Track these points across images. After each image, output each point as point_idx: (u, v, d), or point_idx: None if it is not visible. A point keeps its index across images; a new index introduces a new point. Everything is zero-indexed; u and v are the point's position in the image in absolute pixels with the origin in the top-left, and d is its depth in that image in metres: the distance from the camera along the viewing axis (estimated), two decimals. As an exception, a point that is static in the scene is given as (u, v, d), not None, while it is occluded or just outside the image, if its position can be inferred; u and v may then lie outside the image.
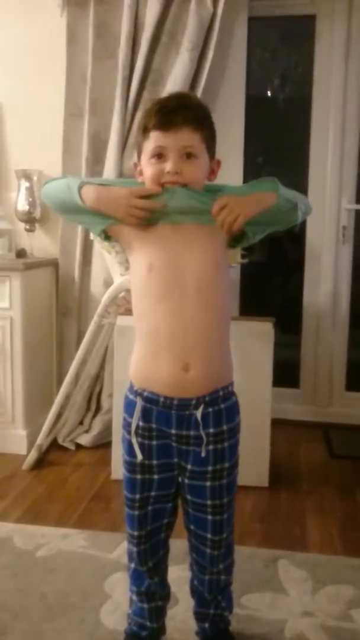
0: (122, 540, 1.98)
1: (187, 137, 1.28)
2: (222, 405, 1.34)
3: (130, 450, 1.35)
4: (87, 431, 2.80)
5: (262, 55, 3.42)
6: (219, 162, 1.39)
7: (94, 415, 2.84)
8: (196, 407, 1.31)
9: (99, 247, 2.69)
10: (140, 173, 1.36)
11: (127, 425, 1.37)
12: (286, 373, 3.08)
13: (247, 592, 1.72)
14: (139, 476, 1.35)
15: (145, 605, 1.46)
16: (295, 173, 3.23)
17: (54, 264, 2.97)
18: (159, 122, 1.28)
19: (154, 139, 1.29)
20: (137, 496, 1.36)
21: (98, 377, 2.86)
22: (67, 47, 2.84)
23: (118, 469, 2.44)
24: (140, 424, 1.33)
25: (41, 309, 2.89)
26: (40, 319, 2.87)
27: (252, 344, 2.35)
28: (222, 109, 2.95)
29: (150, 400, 1.32)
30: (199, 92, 2.74)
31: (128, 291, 2.49)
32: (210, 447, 1.32)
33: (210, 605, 1.47)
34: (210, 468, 1.34)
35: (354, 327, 3.16)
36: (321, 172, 3.05)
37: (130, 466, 1.36)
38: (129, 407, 1.37)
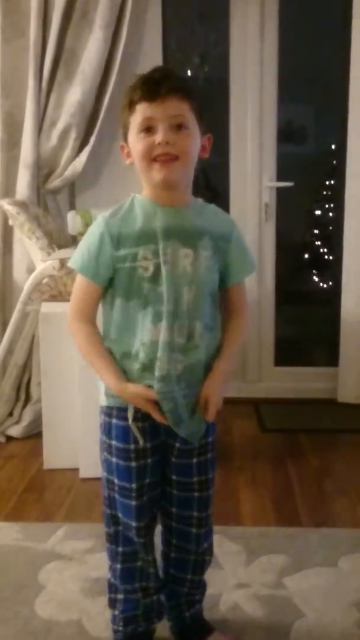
0: (56, 529, 1.96)
1: (175, 106, 1.22)
2: None
3: (125, 437, 1.30)
4: (17, 422, 2.73)
5: (180, 34, 3.39)
6: (210, 138, 1.31)
7: (24, 406, 2.78)
8: None
9: (20, 234, 2.62)
10: (128, 155, 1.28)
11: (121, 412, 1.30)
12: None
13: (183, 570, 1.73)
14: (134, 463, 1.31)
15: (142, 601, 1.41)
16: (216, 153, 3.23)
17: (-27, 252, 2.87)
18: (144, 93, 1.22)
19: (140, 112, 1.22)
20: (134, 485, 1.32)
21: (26, 367, 2.79)
22: (-25, 26, 2.73)
23: (50, 459, 2.41)
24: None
25: None
26: None
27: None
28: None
29: None
30: (114, 72, 2.70)
31: (51, 277, 2.44)
32: None
33: (182, 593, 1.45)
34: (196, 444, 1.34)
35: (279, 303, 3.22)
36: (242, 151, 3.07)
37: (125, 453, 1.31)
38: None
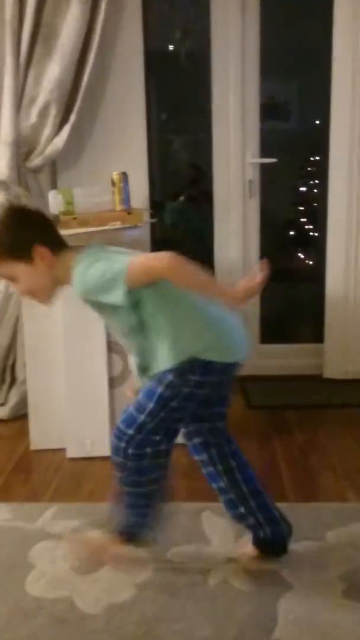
0: (45, 509, 1.97)
1: None
2: None
3: None
4: (3, 404, 2.73)
5: (161, 8, 3.34)
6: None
7: (10, 387, 2.77)
8: None
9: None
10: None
11: None
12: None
13: (173, 547, 1.75)
14: None
15: None
16: (199, 129, 3.20)
17: None
18: None
19: None
20: None
21: (11, 348, 2.78)
22: None
23: (37, 439, 2.41)
24: None
25: None
26: None
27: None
28: (120, 65, 2.85)
29: None
30: (93, 48, 2.64)
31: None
32: None
33: None
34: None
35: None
36: (224, 127, 3.03)
37: None
38: None
